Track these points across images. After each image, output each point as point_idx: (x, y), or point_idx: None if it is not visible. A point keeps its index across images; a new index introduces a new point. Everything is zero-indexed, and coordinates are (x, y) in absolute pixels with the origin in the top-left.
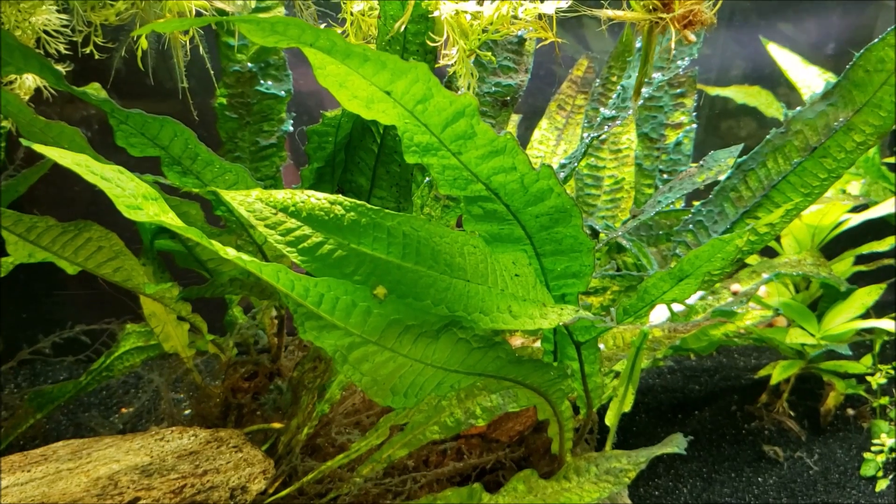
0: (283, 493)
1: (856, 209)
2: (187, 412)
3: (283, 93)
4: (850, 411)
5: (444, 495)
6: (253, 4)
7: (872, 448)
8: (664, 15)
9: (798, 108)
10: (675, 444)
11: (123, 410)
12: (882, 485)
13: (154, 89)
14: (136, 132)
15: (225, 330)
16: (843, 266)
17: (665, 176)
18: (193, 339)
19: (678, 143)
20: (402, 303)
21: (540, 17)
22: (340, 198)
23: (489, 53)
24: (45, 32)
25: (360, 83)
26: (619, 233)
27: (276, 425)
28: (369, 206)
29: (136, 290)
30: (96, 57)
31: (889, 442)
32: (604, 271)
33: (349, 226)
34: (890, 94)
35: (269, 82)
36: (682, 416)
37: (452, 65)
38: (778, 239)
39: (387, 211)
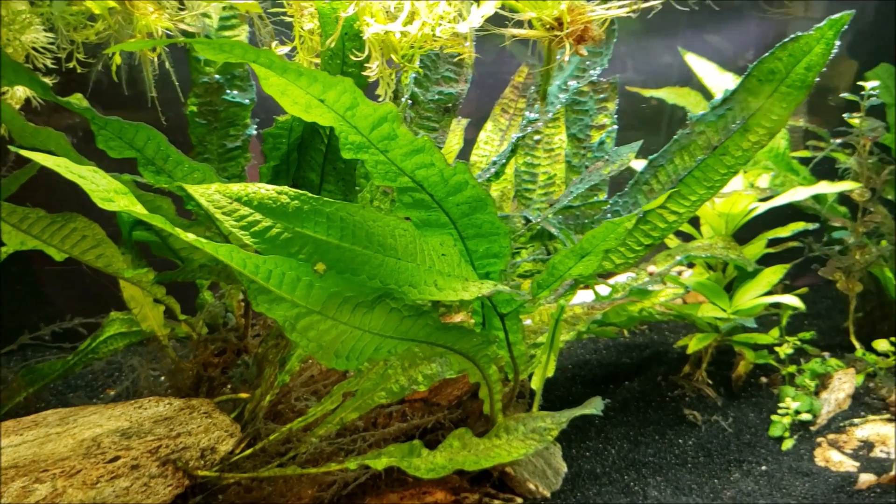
0: (248, 452)
1: (764, 199)
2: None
3: (247, 101)
4: (764, 379)
5: (388, 450)
6: (215, 24)
7: (779, 411)
8: (558, 32)
9: (701, 112)
10: (594, 407)
11: (108, 391)
12: (788, 444)
13: (135, 99)
14: (114, 136)
15: (197, 311)
16: (756, 249)
17: None
18: (171, 324)
19: (601, 143)
20: (340, 277)
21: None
22: (286, 188)
23: (416, 66)
24: (34, 49)
25: (299, 92)
26: (539, 219)
27: (244, 395)
28: (311, 195)
29: (117, 275)
30: (79, 71)
31: (794, 405)
32: (535, 255)
33: (294, 212)
34: (779, 101)
35: (235, 92)
36: (613, 387)
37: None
38: (699, 227)
39: (326, 199)
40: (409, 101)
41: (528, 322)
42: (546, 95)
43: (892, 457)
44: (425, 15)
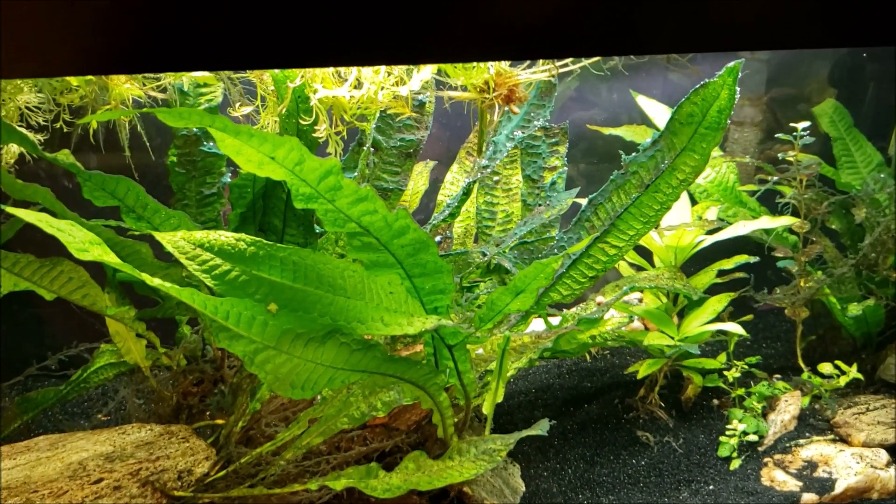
0: (221, 473)
1: (712, 231)
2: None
3: (222, 152)
4: (715, 401)
5: (347, 472)
6: (186, 85)
7: (727, 432)
8: (488, 95)
9: (633, 154)
10: (540, 428)
11: (101, 417)
12: (735, 464)
13: (137, 145)
14: (98, 188)
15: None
16: (706, 278)
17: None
18: (155, 354)
19: (553, 183)
20: (293, 315)
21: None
22: (244, 236)
23: (368, 124)
24: (28, 108)
25: (251, 151)
26: (490, 255)
27: (220, 421)
28: (266, 241)
29: (101, 312)
30: (65, 130)
31: (741, 427)
32: (490, 288)
33: (251, 257)
34: (699, 141)
35: (211, 143)
36: (573, 409)
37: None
38: (652, 260)
39: (279, 245)
40: (373, 148)
41: (480, 351)
42: (482, 149)
43: (834, 477)
44: (369, 81)
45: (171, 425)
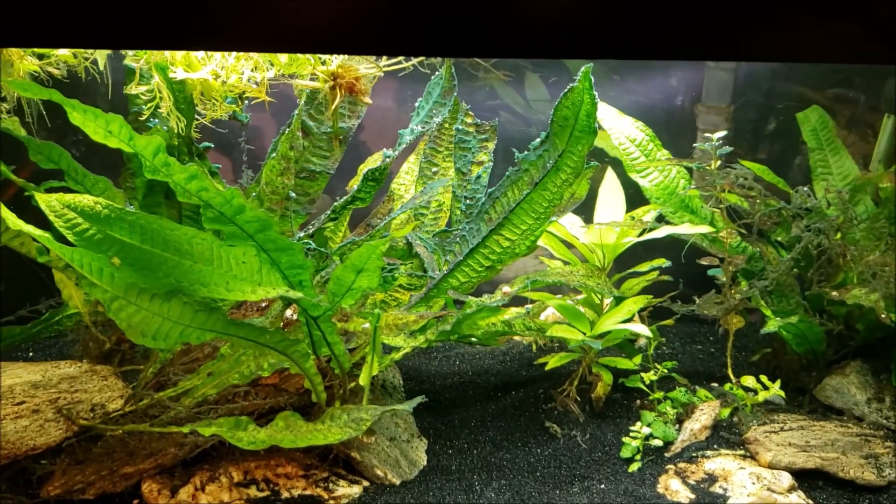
0: (127, 409)
1: (641, 233)
2: None
3: (165, 127)
4: (638, 402)
5: (219, 422)
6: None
7: (630, 434)
8: (332, 82)
9: (525, 152)
10: (407, 405)
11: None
12: (634, 467)
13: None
14: (37, 152)
15: None
16: (640, 279)
17: (467, 201)
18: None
19: (478, 177)
20: (140, 273)
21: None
22: (101, 200)
23: (235, 106)
24: None
25: (93, 126)
26: (408, 240)
27: (141, 367)
28: (118, 206)
29: (32, 257)
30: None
31: (645, 430)
32: (410, 271)
33: (104, 218)
34: (575, 144)
35: (157, 120)
36: (500, 394)
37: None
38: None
39: (129, 210)
40: (303, 133)
41: (366, 325)
42: (339, 135)
43: (728, 494)
44: (220, 66)
45: (97, 365)
